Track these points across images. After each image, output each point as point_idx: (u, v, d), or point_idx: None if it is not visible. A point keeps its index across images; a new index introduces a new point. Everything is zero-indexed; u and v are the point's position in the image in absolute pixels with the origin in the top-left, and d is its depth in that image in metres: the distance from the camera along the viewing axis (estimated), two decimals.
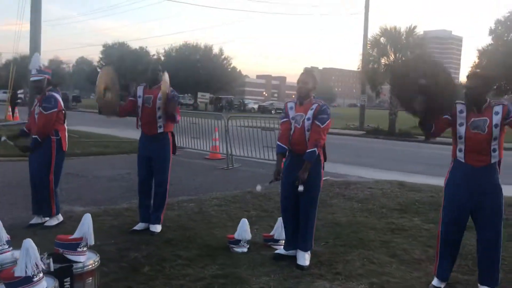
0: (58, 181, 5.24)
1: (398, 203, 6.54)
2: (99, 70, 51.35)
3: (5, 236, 3.26)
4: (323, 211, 6.06)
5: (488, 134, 3.43)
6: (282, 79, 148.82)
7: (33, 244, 2.75)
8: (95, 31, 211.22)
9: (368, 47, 24.34)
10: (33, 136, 5.05)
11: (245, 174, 9.07)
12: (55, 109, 5.02)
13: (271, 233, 4.74)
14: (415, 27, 23.18)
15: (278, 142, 4.25)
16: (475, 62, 33.43)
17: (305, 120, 4.06)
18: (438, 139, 4.40)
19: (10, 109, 22.47)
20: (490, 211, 3.49)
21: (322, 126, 4.02)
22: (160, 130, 5.00)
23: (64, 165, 5.38)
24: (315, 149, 3.99)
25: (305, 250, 4.15)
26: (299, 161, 4.05)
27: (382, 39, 23.34)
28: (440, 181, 4.47)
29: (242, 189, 7.40)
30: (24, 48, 54.06)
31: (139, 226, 5.08)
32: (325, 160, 4.27)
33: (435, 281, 3.70)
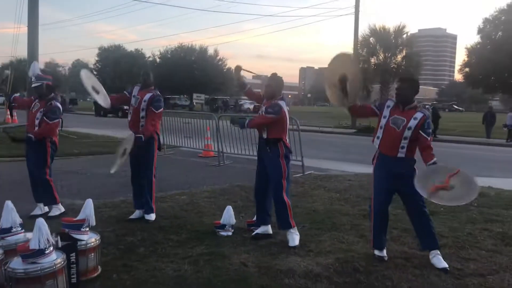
0: (51, 170, 5.87)
1: None
2: (94, 72, 51.10)
3: (18, 220, 3.81)
4: (303, 200, 6.62)
5: (401, 132, 4.06)
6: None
7: (45, 222, 3.30)
8: (91, 34, 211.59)
9: (358, 47, 24.93)
10: (29, 135, 5.62)
11: (235, 170, 9.62)
12: (58, 119, 5.68)
13: (253, 219, 5.28)
14: (403, 26, 23.91)
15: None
16: (464, 60, 34.12)
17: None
18: None
19: (8, 112, 22.98)
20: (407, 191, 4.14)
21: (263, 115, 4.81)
22: (140, 130, 5.45)
23: (64, 164, 5.96)
24: (250, 119, 5.03)
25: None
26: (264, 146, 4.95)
27: (371, 39, 23.95)
28: None
29: (232, 183, 7.94)
30: (20, 52, 54.48)
31: (135, 214, 5.63)
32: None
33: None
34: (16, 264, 3.21)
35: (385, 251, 4.36)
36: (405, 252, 4.47)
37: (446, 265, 4.08)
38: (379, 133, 4.22)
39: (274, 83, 4.89)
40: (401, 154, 4.09)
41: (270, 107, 4.73)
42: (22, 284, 3.13)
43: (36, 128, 5.65)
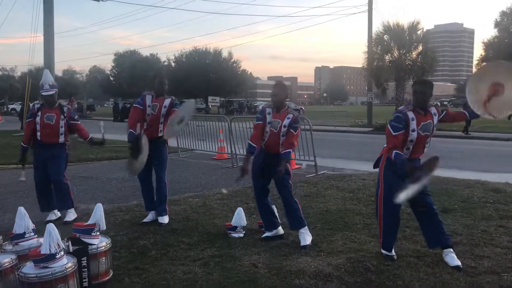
0: None
1: None
2: (111, 78, 51.85)
3: (31, 225, 3.88)
4: (316, 201, 6.60)
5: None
6: (293, 79, 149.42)
7: (55, 227, 3.35)
8: (107, 40, 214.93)
9: (372, 45, 24.72)
10: (90, 137, 6.24)
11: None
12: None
13: None
14: (418, 22, 23.54)
15: (250, 142, 4.82)
16: (481, 54, 33.56)
17: (282, 126, 4.69)
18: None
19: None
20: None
21: (295, 133, 4.71)
22: (160, 134, 5.63)
23: (80, 169, 6.04)
24: (290, 150, 4.69)
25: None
26: (271, 160, 4.69)
27: (385, 37, 23.73)
28: None
29: (244, 185, 7.94)
30: (38, 60, 55.45)
31: (148, 218, 5.68)
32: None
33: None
34: (28, 269, 3.27)
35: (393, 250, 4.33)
36: (418, 250, 4.42)
37: (459, 263, 4.02)
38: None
39: (281, 92, 4.78)
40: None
41: (296, 122, 4.72)
42: None
43: (61, 137, 5.89)
